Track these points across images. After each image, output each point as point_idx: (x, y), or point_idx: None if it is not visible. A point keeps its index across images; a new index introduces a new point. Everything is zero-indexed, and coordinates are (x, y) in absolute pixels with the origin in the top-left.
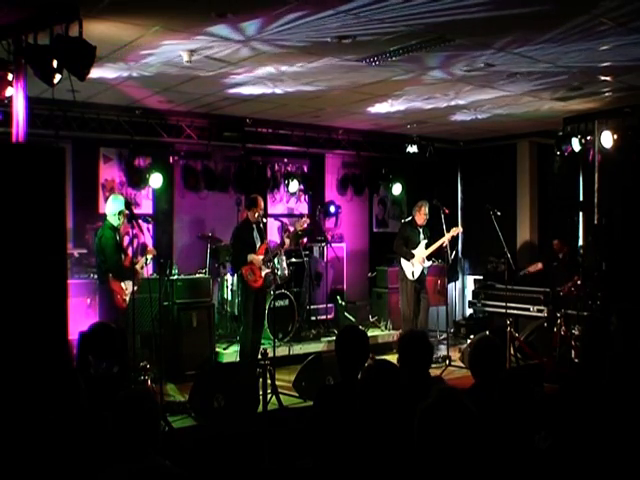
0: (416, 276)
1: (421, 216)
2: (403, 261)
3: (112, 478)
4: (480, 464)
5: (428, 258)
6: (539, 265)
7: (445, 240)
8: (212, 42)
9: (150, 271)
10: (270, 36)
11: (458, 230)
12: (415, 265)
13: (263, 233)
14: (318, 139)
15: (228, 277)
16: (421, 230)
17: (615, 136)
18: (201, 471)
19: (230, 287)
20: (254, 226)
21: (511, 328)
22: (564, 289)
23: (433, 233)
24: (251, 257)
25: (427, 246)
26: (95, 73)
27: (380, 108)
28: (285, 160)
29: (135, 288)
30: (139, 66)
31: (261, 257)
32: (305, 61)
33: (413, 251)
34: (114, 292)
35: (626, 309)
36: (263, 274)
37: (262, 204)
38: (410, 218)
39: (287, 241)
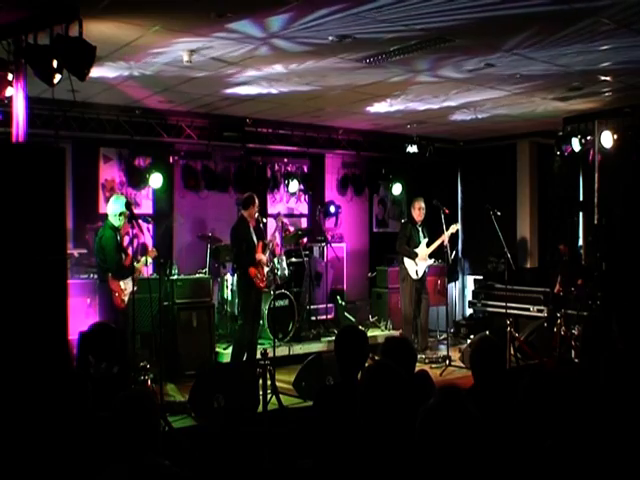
0: (419, 275)
1: (417, 211)
2: (406, 261)
3: (112, 478)
4: (480, 464)
5: (429, 257)
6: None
7: (445, 238)
8: (213, 42)
9: (150, 271)
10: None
11: (456, 227)
12: (419, 264)
13: (261, 232)
14: (318, 139)
15: (228, 277)
16: (420, 229)
17: (615, 136)
18: (201, 471)
19: (230, 287)
20: (250, 225)
21: (511, 328)
22: (559, 289)
23: (432, 233)
24: (259, 256)
25: (428, 245)
26: (95, 72)
27: (380, 108)
28: (285, 160)
29: (135, 288)
30: (140, 65)
31: (265, 256)
32: (304, 61)
33: (416, 250)
34: (113, 292)
35: (625, 311)
36: (265, 273)
37: (257, 201)
38: (408, 217)
39: (277, 236)
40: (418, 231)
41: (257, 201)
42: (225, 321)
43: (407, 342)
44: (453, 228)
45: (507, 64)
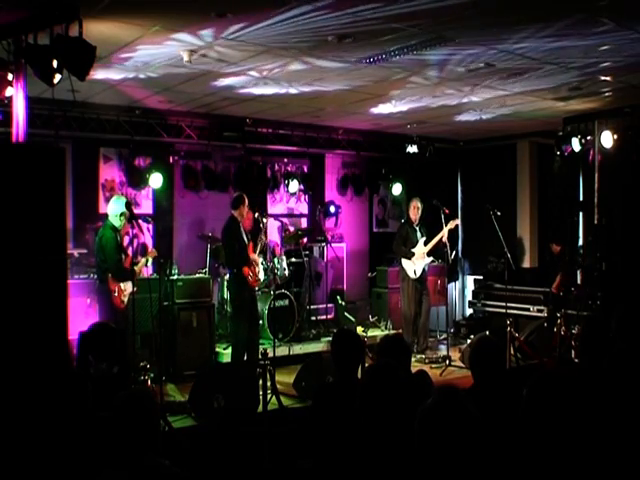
0: (418, 274)
1: (413, 211)
2: (404, 260)
3: (112, 478)
4: (480, 465)
5: (428, 254)
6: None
7: (444, 233)
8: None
9: (150, 271)
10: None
11: (456, 222)
12: (416, 263)
13: (258, 230)
14: (318, 139)
15: (228, 277)
16: (418, 228)
17: (615, 136)
18: (201, 471)
19: None
20: (241, 225)
21: (511, 328)
22: (554, 289)
23: (432, 233)
24: (253, 256)
25: (426, 243)
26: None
27: (380, 108)
28: (285, 160)
29: (135, 289)
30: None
31: (255, 255)
32: (305, 61)
33: (412, 249)
34: (112, 292)
35: (624, 311)
36: (258, 271)
37: (247, 201)
38: (406, 217)
39: (263, 238)
40: (415, 230)
41: (247, 201)
42: (225, 321)
43: (401, 339)
44: (452, 224)
45: (507, 64)
